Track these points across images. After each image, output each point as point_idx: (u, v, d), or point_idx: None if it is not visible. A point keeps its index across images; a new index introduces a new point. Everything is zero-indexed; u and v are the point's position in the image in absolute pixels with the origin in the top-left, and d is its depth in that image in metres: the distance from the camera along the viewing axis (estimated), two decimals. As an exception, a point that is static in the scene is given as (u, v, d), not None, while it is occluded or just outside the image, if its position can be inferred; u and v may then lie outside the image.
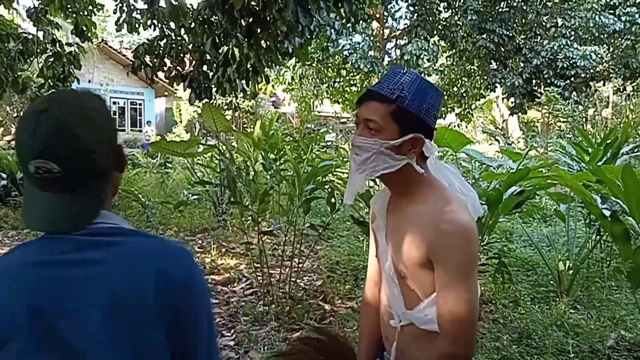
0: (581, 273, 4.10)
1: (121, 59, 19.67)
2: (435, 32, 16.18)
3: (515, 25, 16.23)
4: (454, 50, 17.37)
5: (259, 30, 3.64)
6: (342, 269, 4.70)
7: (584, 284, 4.13)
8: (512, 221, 5.96)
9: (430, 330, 1.19)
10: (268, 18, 3.52)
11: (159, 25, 4.52)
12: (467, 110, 18.88)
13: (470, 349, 1.16)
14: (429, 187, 1.23)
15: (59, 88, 5.09)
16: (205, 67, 4.19)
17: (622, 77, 17.34)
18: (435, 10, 16.07)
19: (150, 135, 19.34)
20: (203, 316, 0.91)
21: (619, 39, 16.51)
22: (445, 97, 15.92)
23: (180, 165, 10.25)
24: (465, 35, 16.24)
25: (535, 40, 16.22)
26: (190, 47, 4.33)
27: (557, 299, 3.80)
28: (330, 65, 17.08)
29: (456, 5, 16.08)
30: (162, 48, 4.41)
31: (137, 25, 4.77)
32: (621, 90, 19.31)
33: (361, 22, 5.14)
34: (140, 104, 22.04)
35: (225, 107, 17.28)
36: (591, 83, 16.81)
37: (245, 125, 21.82)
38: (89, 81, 18.98)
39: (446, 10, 16.73)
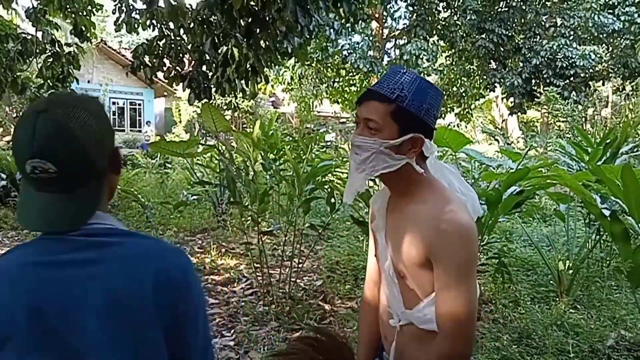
0: (581, 273, 4.10)
1: (120, 59, 19.66)
2: (434, 32, 16.18)
3: (514, 25, 16.23)
4: (453, 50, 17.38)
5: (258, 30, 3.64)
6: (342, 269, 4.70)
7: (584, 283, 4.13)
8: (512, 221, 5.96)
9: (430, 329, 1.19)
10: (267, 18, 3.52)
11: (158, 25, 4.51)
12: (467, 110, 18.88)
13: (469, 349, 1.17)
14: (428, 187, 1.22)
15: (58, 88, 5.09)
16: (204, 67, 4.19)
17: (621, 76, 17.35)
18: (434, 10, 16.07)
19: (150, 135, 19.32)
20: (200, 316, 0.92)
21: (618, 39, 16.52)
22: (445, 97, 15.90)
23: (179, 165, 10.24)
24: (464, 35, 16.24)
25: (535, 40, 16.22)
26: (189, 47, 4.32)
27: (557, 299, 3.80)
28: (329, 65, 17.08)
29: (455, 5, 16.08)
30: (161, 48, 4.40)
31: (136, 26, 4.76)
32: (620, 89, 19.31)
33: (360, 22, 5.14)
34: (139, 104, 22.01)
35: (225, 107, 17.29)
36: (590, 83, 16.82)
37: (244, 126, 21.82)
38: (88, 81, 18.97)
39: (445, 10, 16.73)
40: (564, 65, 15.34)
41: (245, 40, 3.65)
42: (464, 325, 1.13)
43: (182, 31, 4.21)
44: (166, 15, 3.70)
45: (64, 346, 0.81)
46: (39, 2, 5.01)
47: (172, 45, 4.38)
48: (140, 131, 21.07)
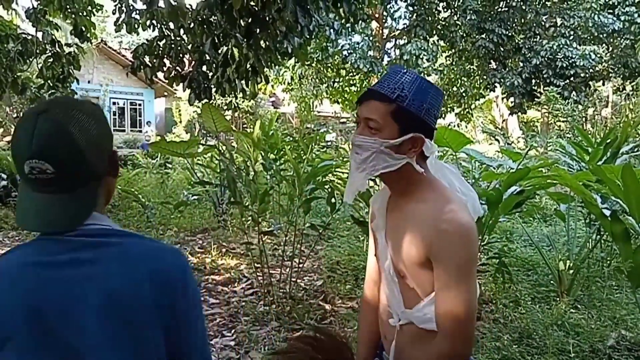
0: (581, 273, 4.10)
1: (121, 60, 19.65)
2: (434, 32, 16.18)
3: (514, 25, 16.23)
4: (453, 50, 17.38)
5: (258, 30, 3.64)
6: (343, 269, 4.70)
7: (585, 283, 4.12)
8: (512, 221, 5.96)
9: (430, 329, 1.19)
10: (267, 18, 3.52)
11: (158, 25, 4.51)
12: (467, 110, 18.88)
13: (468, 348, 1.17)
14: (428, 187, 1.22)
15: (59, 89, 5.09)
16: (204, 68, 4.19)
17: (621, 76, 17.34)
18: (434, 10, 16.07)
19: (150, 135, 19.32)
20: (198, 315, 0.93)
21: (618, 39, 16.51)
22: (445, 97, 15.88)
23: (180, 165, 10.25)
24: (464, 35, 16.24)
25: (535, 39, 16.21)
26: (189, 47, 4.32)
27: (558, 299, 3.80)
28: (329, 65, 17.08)
29: (455, 5, 16.08)
30: (161, 48, 4.40)
31: (136, 26, 4.76)
32: (620, 89, 19.30)
33: (360, 22, 5.14)
34: (139, 105, 22.01)
35: (225, 107, 17.29)
36: (590, 82, 16.81)
37: (245, 126, 21.82)
38: (89, 82, 18.96)
39: (445, 10, 16.73)
40: (564, 65, 15.34)
41: (245, 40, 3.65)
42: (464, 324, 1.13)
43: (182, 31, 4.21)
44: (166, 16, 3.70)
45: (64, 346, 0.82)
46: (39, 2, 5.01)
47: (172, 46, 4.38)
48: (140, 131, 21.07)
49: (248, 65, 3.89)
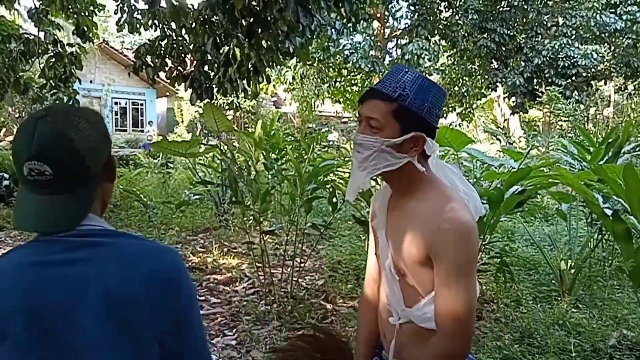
0: (583, 272, 4.10)
1: (122, 60, 19.67)
2: (436, 32, 16.16)
3: (516, 24, 16.19)
4: (454, 50, 17.34)
5: (259, 30, 3.64)
6: (344, 268, 4.71)
7: (586, 283, 4.12)
8: (514, 220, 5.96)
9: (429, 328, 1.19)
10: (269, 18, 3.52)
11: (160, 25, 4.52)
12: (469, 109, 18.86)
13: (467, 347, 1.17)
14: (429, 186, 1.23)
15: (61, 88, 5.11)
16: (206, 67, 4.20)
17: (623, 76, 17.29)
18: (436, 10, 16.05)
19: (152, 135, 19.36)
20: (196, 314, 0.94)
21: (620, 38, 16.46)
22: (447, 96, 15.86)
23: (181, 165, 10.27)
24: (466, 34, 16.20)
25: (536, 39, 16.18)
26: (191, 47, 4.33)
27: (559, 298, 3.80)
28: (331, 64, 17.07)
29: (457, 5, 16.05)
30: (163, 48, 4.41)
31: (138, 26, 4.77)
32: (622, 89, 19.27)
33: (362, 21, 5.13)
34: (141, 104, 22.03)
35: (227, 107, 17.29)
36: (592, 82, 16.76)
37: (246, 125, 21.84)
38: (91, 81, 19.00)
39: (447, 9, 16.70)
40: (566, 64, 15.30)
41: (247, 40, 3.65)
42: (463, 323, 1.13)
43: (184, 31, 4.22)
44: (168, 16, 3.71)
45: (64, 346, 0.82)
46: (41, 2, 5.03)
47: (174, 46, 4.39)
48: (142, 131, 21.10)
49: (250, 65, 3.90)
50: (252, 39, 3.66)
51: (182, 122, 21.88)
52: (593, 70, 15.92)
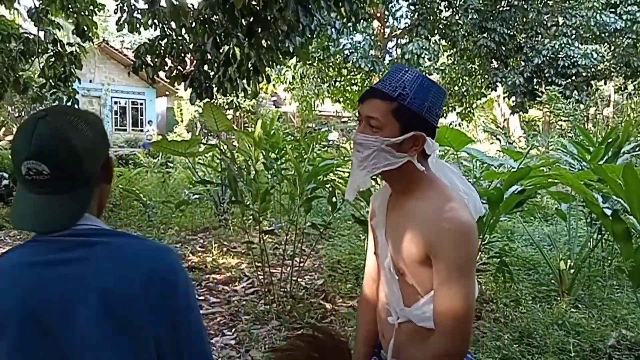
0: (582, 272, 4.10)
1: (122, 59, 19.66)
2: (436, 31, 16.15)
3: (516, 24, 16.19)
4: (454, 49, 17.33)
5: (259, 29, 3.64)
6: (343, 268, 4.71)
7: (585, 283, 4.12)
8: (513, 220, 5.96)
9: (428, 327, 1.19)
10: (269, 17, 3.52)
11: (160, 25, 4.51)
12: (468, 109, 18.85)
13: (466, 346, 1.17)
14: (429, 185, 1.23)
15: (60, 88, 5.10)
16: (206, 67, 4.19)
17: (623, 75, 17.29)
18: (436, 10, 16.05)
19: (152, 134, 19.37)
20: (194, 314, 0.94)
21: (620, 38, 16.46)
22: (447, 96, 15.83)
23: (181, 164, 10.27)
24: (466, 34, 16.20)
25: (536, 39, 16.17)
26: (191, 46, 4.33)
27: (558, 298, 3.80)
28: (331, 64, 17.07)
29: (457, 4, 16.05)
30: (163, 48, 4.41)
31: (138, 25, 4.77)
32: (622, 89, 19.26)
33: (362, 21, 5.13)
34: (141, 104, 22.03)
35: (226, 106, 17.30)
36: (592, 82, 16.76)
37: (246, 125, 21.84)
38: (90, 81, 18.99)
39: (447, 9, 16.70)
40: (566, 64, 15.30)
41: (246, 39, 3.65)
42: (462, 322, 1.13)
43: (183, 31, 4.21)
44: (168, 15, 3.71)
45: (63, 345, 0.82)
46: (41, 1, 5.02)
47: (174, 45, 4.38)
48: (142, 130, 21.10)
49: (249, 65, 3.90)
50: (252, 39, 3.66)
51: (182, 121, 21.89)
52: (593, 70, 15.92)
